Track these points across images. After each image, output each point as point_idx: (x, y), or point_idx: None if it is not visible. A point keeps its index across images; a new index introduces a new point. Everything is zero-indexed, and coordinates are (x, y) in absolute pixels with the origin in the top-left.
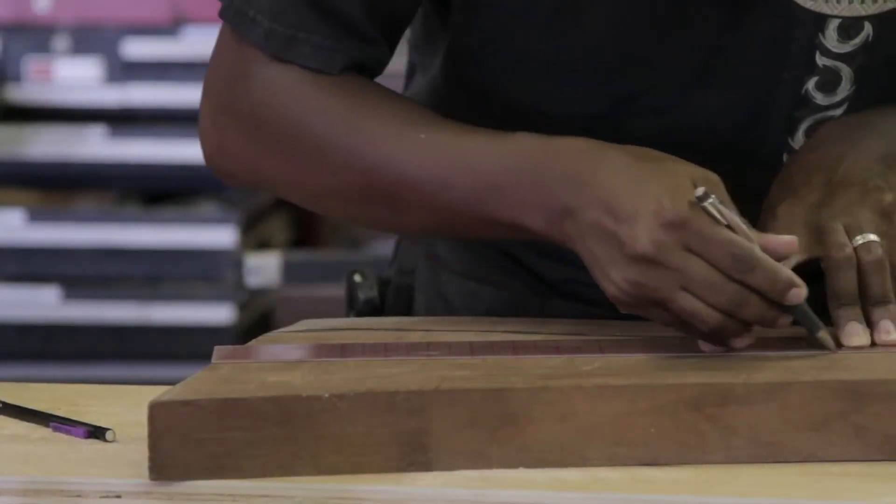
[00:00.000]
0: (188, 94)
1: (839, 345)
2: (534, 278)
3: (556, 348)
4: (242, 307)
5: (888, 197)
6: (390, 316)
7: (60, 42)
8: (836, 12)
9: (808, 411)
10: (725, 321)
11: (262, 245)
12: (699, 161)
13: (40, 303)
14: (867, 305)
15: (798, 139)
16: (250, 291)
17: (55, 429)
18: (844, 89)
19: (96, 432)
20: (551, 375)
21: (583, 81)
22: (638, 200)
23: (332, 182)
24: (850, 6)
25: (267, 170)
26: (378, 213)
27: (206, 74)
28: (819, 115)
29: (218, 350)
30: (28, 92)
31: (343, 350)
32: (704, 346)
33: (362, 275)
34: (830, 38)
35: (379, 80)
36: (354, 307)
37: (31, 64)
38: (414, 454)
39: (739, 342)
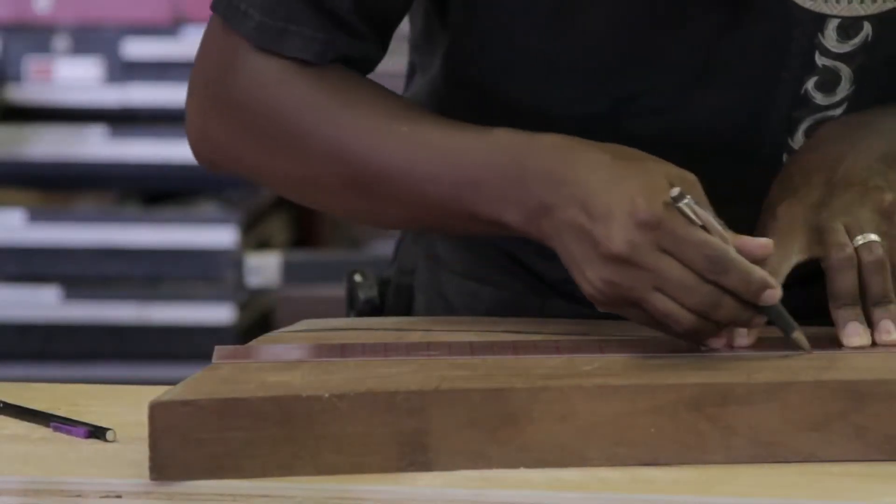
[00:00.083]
0: None
1: (840, 345)
2: (534, 278)
3: (556, 348)
4: (242, 307)
5: (888, 196)
6: (390, 316)
7: (60, 42)
8: (835, 12)
9: (808, 411)
10: (699, 322)
11: (263, 245)
12: (699, 161)
13: (40, 303)
14: (867, 305)
15: (798, 139)
16: (250, 291)
17: (55, 429)
18: (844, 89)
19: (96, 432)
20: (551, 375)
21: (582, 81)
22: (613, 200)
23: (313, 173)
24: (850, 6)
25: (250, 159)
26: (359, 205)
27: (194, 64)
28: (819, 115)
29: (218, 350)
30: (28, 92)
31: (343, 350)
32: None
33: (362, 275)
34: (830, 38)
35: (379, 80)
36: (354, 307)
37: (32, 64)
38: (414, 454)
39: (716, 342)
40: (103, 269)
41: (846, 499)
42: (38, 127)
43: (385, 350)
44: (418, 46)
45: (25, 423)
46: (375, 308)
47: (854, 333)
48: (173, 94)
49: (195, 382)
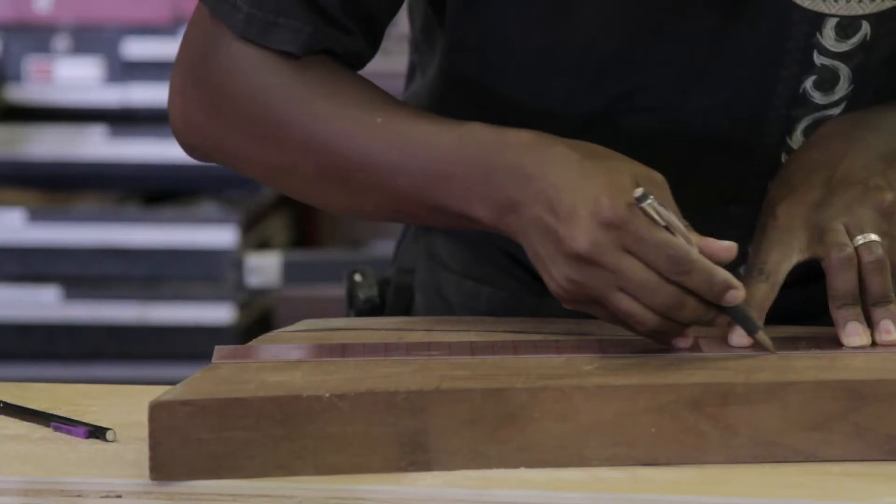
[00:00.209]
0: None
1: (840, 345)
2: (533, 278)
3: (556, 348)
4: (242, 307)
5: (889, 196)
6: (390, 316)
7: (61, 42)
8: (833, 11)
9: (808, 411)
10: (663, 322)
11: (263, 245)
12: (697, 160)
13: (40, 303)
14: (868, 305)
15: (796, 138)
16: (250, 291)
17: (56, 429)
18: (842, 88)
19: (97, 432)
20: (551, 375)
21: (580, 79)
22: (578, 199)
23: (289, 161)
24: (848, 5)
25: (229, 145)
26: (333, 195)
27: (179, 48)
28: (817, 114)
29: (218, 350)
30: (28, 92)
31: (343, 350)
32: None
33: (362, 274)
34: (828, 37)
35: (379, 80)
36: (354, 307)
37: (32, 64)
38: (414, 454)
39: (682, 342)
40: (103, 269)
41: (846, 499)
42: (38, 127)
43: (385, 350)
44: (418, 46)
45: (26, 423)
46: (375, 308)
47: (854, 333)
48: None
49: (195, 382)
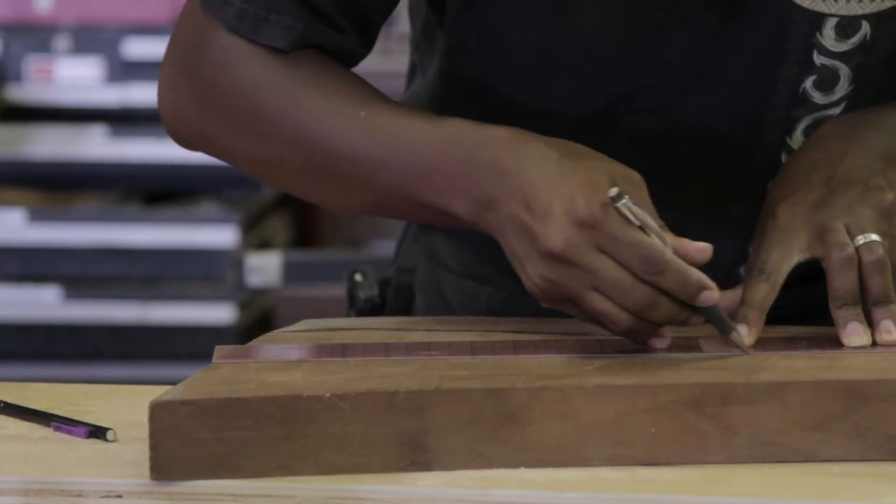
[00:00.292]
0: None
1: (841, 345)
2: None
3: (556, 348)
4: (242, 307)
5: (889, 196)
6: (390, 316)
7: (61, 42)
8: (833, 11)
9: (808, 411)
10: (636, 322)
11: (263, 245)
12: (697, 160)
13: (40, 303)
14: (868, 305)
15: (796, 138)
16: (250, 291)
17: (56, 428)
18: (842, 88)
19: (97, 432)
20: (551, 375)
21: (579, 79)
22: (554, 197)
23: (275, 154)
24: (848, 5)
25: (216, 137)
26: (318, 189)
27: (169, 40)
28: (817, 114)
29: (218, 350)
30: (28, 92)
31: (343, 350)
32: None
33: (363, 274)
34: (828, 37)
35: (379, 80)
36: (355, 307)
37: (32, 64)
38: (414, 454)
39: (658, 343)
40: (103, 269)
41: (846, 499)
42: (38, 127)
43: (385, 350)
44: (418, 46)
45: (26, 423)
46: (375, 308)
47: (854, 333)
48: None
49: (195, 382)
